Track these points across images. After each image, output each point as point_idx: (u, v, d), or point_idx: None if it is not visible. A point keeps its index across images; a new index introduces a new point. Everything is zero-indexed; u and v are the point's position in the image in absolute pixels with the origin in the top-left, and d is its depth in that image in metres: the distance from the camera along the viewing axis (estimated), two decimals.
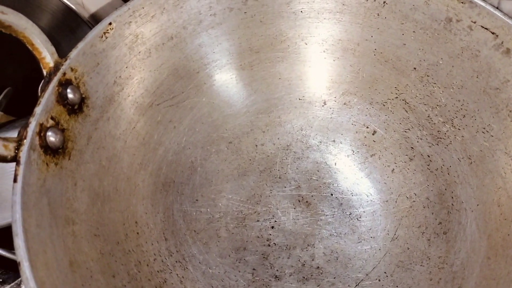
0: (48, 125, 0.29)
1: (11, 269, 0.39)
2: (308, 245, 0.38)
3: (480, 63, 0.35)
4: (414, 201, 0.38)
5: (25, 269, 0.24)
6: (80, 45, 0.32)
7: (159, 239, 0.35)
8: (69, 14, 0.45)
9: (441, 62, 0.38)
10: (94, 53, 0.33)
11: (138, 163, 0.37)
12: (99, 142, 0.33)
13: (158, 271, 0.34)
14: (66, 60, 0.31)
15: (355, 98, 0.42)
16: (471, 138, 0.36)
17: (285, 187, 0.41)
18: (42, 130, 0.29)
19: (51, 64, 0.31)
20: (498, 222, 0.33)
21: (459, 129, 0.37)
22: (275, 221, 0.39)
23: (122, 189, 0.35)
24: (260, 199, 0.40)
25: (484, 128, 0.36)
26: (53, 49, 0.31)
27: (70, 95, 0.31)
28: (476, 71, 0.36)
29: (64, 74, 0.31)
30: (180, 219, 0.38)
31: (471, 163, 0.36)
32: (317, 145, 0.43)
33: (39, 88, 0.30)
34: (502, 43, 0.34)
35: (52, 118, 0.30)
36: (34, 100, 0.29)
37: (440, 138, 0.38)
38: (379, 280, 0.36)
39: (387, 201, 0.39)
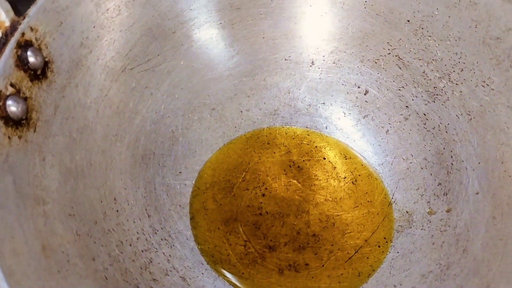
0: (8, 93, 0.26)
1: None
2: (302, 212, 0.36)
3: (479, 11, 0.33)
4: (411, 163, 0.36)
5: None
6: (40, 0, 0.28)
7: (142, 216, 0.32)
8: None
9: (436, 13, 0.35)
10: (56, 10, 0.29)
11: (113, 135, 0.33)
12: (68, 111, 0.30)
13: (142, 251, 0.31)
14: (24, 18, 0.27)
15: (345, 56, 0.39)
16: (470, 92, 0.34)
17: (274, 152, 0.38)
18: (0, 99, 0.25)
19: (7, 23, 0.27)
20: (502, 179, 0.31)
21: (456, 84, 0.35)
22: (266, 188, 0.37)
23: (97, 163, 0.31)
24: (248, 167, 0.37)
25: (484, 82, 0.34)
26: (8, 5, 0.27)
27: (31, 59, 0.27)
28: (474, 21, 0.33)
29: (23, 34, 0.27)
30: (163, 194, 0.35)
31: (470, 119, 0.34)
32: (306, 109, 0.40)
33: None
34: None
35: (12, 85, 0.26)
36: None
37: (437, 94, 0.36)
38: (379, 246, 0.34)
39: (382, 163, 0.37)
